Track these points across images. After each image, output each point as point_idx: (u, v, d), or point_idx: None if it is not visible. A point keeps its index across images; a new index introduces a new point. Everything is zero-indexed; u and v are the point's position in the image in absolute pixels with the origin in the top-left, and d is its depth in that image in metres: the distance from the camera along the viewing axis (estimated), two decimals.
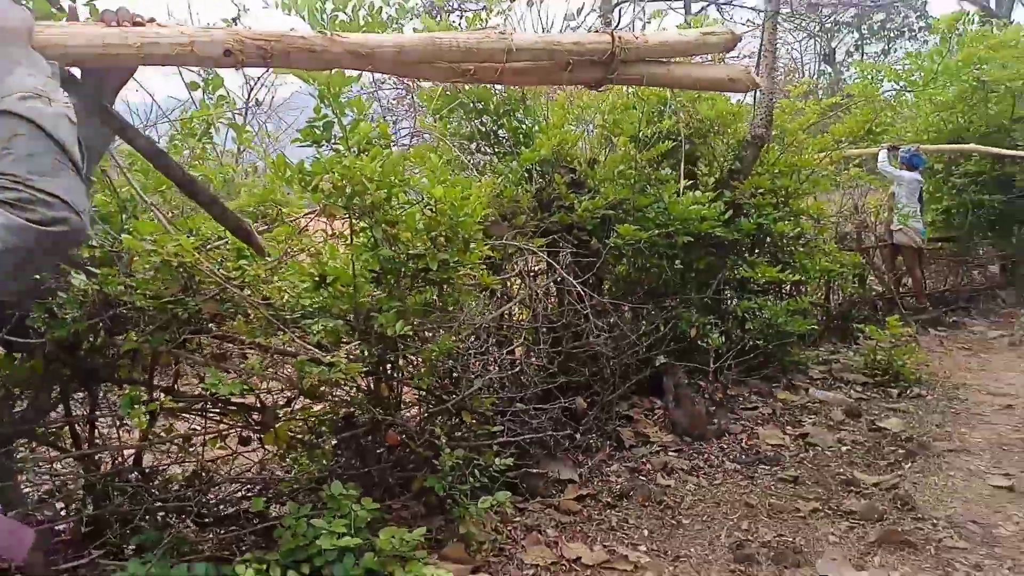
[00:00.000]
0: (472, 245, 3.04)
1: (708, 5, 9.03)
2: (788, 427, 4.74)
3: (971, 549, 3.20)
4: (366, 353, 2.85)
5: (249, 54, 1.59)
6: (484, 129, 4.66)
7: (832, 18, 23.66)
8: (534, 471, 3.64)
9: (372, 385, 3.04)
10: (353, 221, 2.82)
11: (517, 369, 3.96)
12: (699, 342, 5.10)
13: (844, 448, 4.40)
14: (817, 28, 24.15)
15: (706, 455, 4.21)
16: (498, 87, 4.38)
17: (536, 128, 4.49)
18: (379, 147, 2.76)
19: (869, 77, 6.24)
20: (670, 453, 4.20)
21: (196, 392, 2.90)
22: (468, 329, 3.58)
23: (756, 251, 5.65)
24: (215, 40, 1.55)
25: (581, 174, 4.65)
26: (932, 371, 5.98)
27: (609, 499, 3.56)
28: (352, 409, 3.08)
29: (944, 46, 5.01)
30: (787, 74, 28.19)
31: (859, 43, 27.03)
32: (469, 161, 4.55)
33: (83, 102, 1.35)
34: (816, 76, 26.52)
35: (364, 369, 2.75)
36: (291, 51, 1.67)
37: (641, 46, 2.33)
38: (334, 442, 3.13)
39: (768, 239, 5.72)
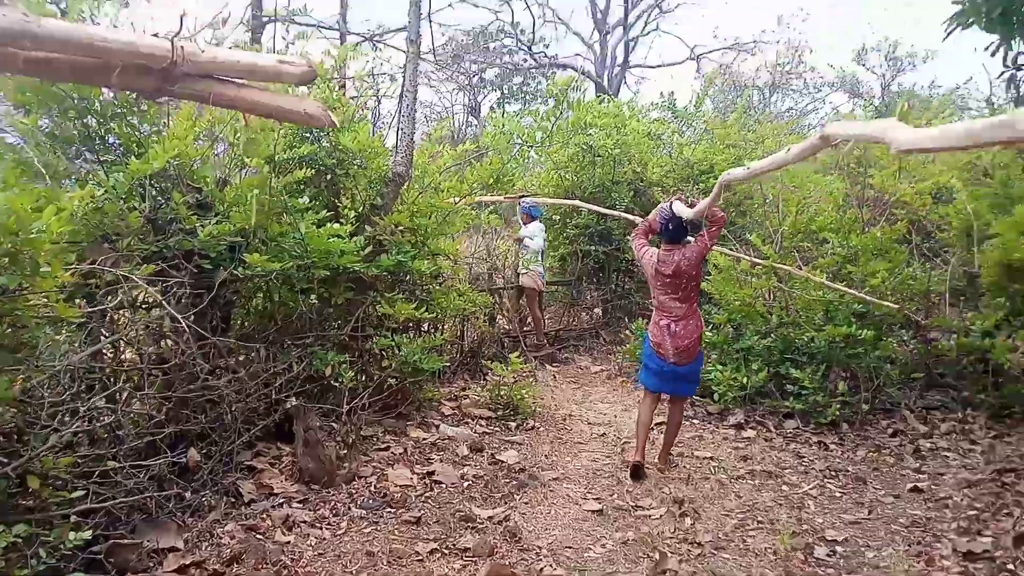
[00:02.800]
0: (45, 268, 2.48)
1: (363, 41, 9.09)
2: (417, 466, 4.77)
3: (566, 575, 3.48)
4: None
5: None
6: (88, 132, 3.97)
7: (477, 75, 25.85)
8: (126, 542, 3.08)
9: None
10: None
11: (112, 420, 3.36)
12: (334, 382, 4.93)
13: (466, 483, 4.56)
14: (465, 82, 26.16)
15: (333, 503, 4.02)
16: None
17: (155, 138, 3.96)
18: None
19: (501, 130, 6.83)
20: (294, 505, 3.92)
21: None
22: (44, 373, 2.93)
23: (396, 288, 5.68)
24: None
25: (208, 195, 4.20)
26: (546, 404, 6.58)
27: (218, 566, 3.16)
28: None
29: (558, 108, 5.68)
30: (440, 120, 30.01)
31: (500, 101, 29.85)
32: (64, 168, 3.82)
33: None
34: (464, 126, 28.68)
35: None
36: None
37: (208, 61, 2.14)
38: None
39: (408, 277, 5.79)
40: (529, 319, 8.98)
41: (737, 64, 24.08)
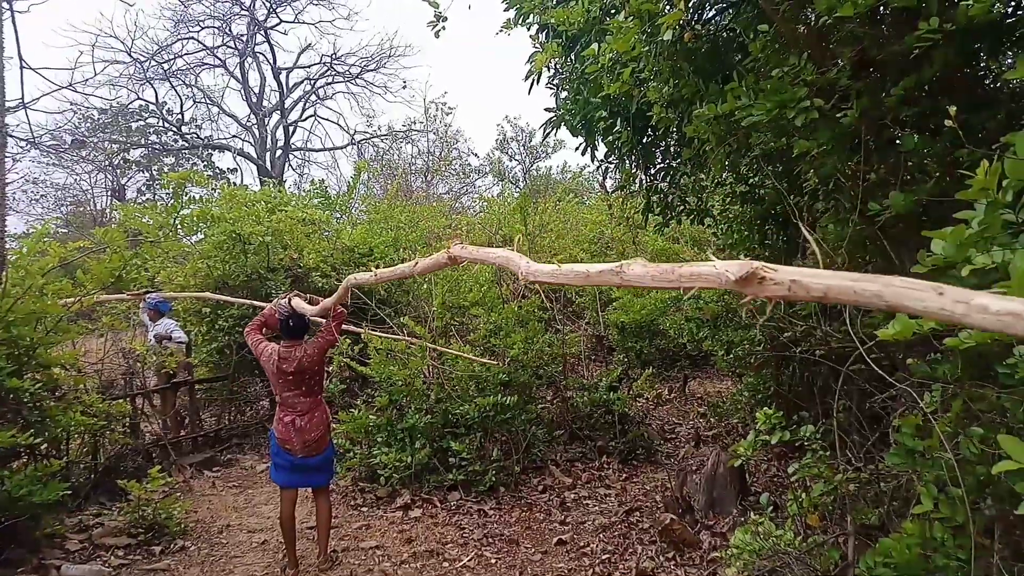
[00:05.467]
0: None
1: None
2: None
3: None
4: None
5: None
6: None
7: (120, 155, 23.64)
8: None
9: None
10: None
11: None
12: None
13: None
14: (105, 162, 23.72)
15: None
16: None
17: None
18: None
19: (126, 224, 6.23)
20: None
21: None
22: None
23: None
24: None
25: None
26: (201, 518, 5.96)
27: None
28: None
29: (177, 203, 5.35)
30: (77, 206, 26.74)
31: (150, 183, 27.58)
32: None
33: None
34: (109, 211, 25.86)
35: None
36: None
37: None
38: None
39: (11, 397, 4.90)
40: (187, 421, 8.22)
41: (394, 151, 25.40)
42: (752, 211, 5.29)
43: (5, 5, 4.65)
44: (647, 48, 3.55)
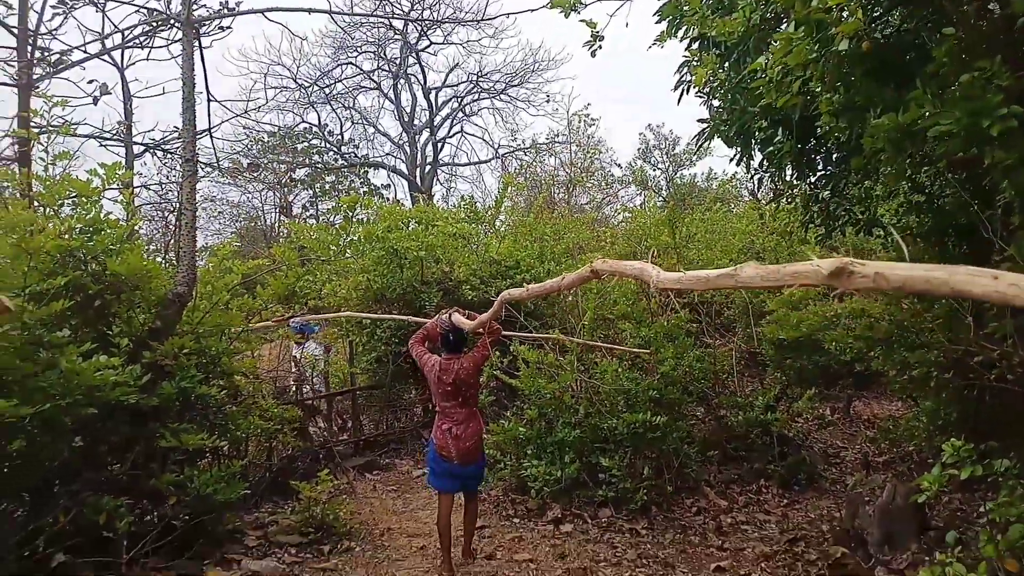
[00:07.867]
0: None
1: (147, 150, 8.59)
2: None
3: None
4: None
5: None
6: None
7: (288, 175, 25.47)
8: None
9: None
10: None
11: None
12: (107, 532, 4.39)
13: None
14: (275, 181, 25.64)
15: None
16: None
17: None
18: None
19: (296, 241, 6.73)
20: None
21: None
22: None
23: (185, 416, 5.25)
24: None
25: None
26: (364, 520, 6.26)
27: None
28: None
29: (347, 225, 5.70)
30: (249, 221, 29.04)
31: (313, 199, 29.50)
32: None
33: None
34: (277, 226, 27.94)
35: None
36: None
37: None
38: None
39: (198, 402, 5.39)
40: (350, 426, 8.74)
41: (537, 164, 25.69)
42: (930, 222, 4.88)
43: (196, 44, 5.12)
44: (814, 56, 3.37)
